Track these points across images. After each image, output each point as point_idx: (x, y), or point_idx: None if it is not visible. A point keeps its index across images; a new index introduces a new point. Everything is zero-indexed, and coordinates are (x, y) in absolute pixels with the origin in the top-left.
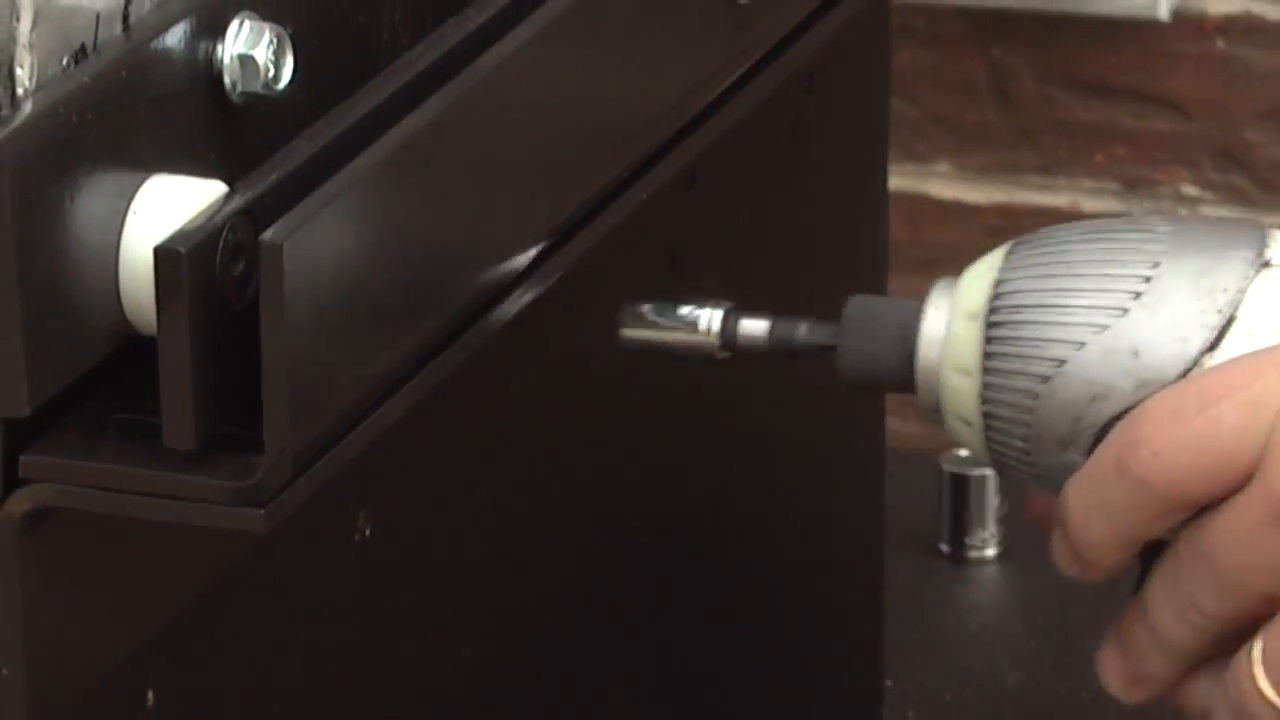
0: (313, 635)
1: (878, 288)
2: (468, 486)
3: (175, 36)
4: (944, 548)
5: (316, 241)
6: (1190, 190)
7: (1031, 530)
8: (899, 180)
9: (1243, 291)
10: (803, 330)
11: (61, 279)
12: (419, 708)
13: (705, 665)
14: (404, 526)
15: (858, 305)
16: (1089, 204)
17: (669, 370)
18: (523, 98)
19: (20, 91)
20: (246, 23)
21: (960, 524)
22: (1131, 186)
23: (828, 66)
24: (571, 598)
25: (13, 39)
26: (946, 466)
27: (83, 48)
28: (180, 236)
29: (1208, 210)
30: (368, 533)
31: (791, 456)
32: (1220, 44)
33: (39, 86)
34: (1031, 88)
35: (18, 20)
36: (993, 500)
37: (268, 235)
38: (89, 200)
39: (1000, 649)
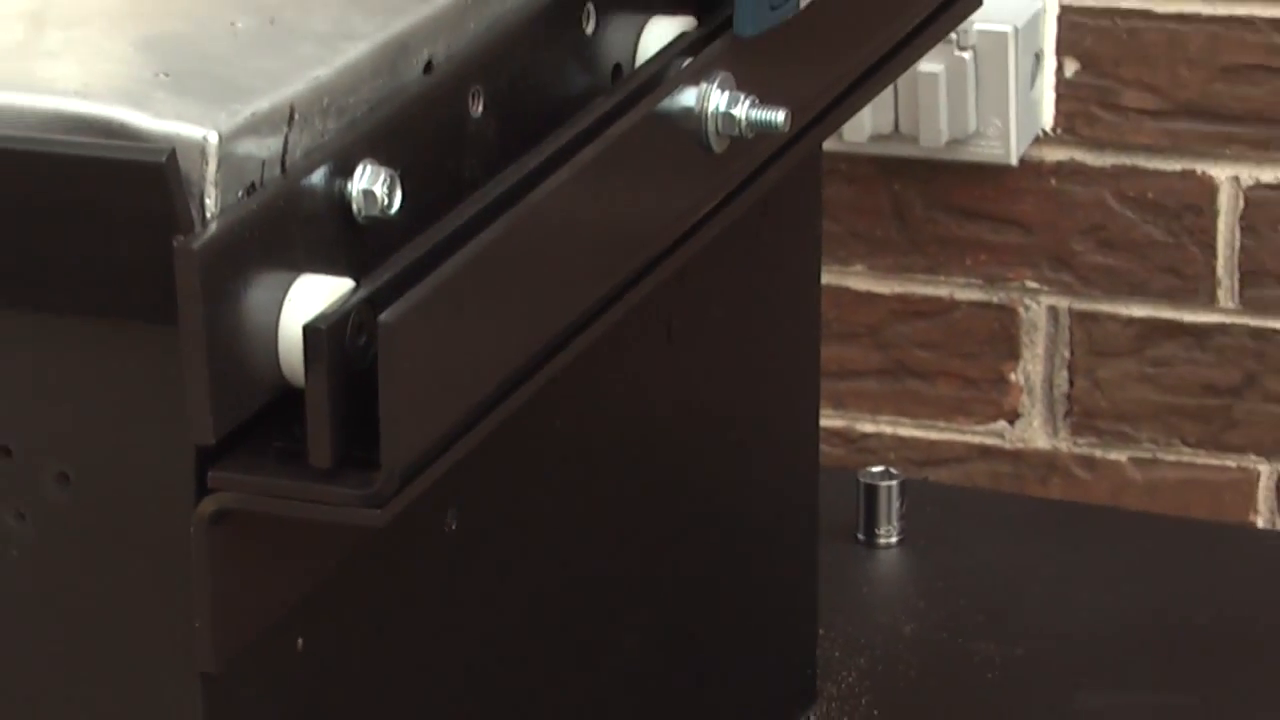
0: (414, 600)
1: (812, 352)
2: (526, 491)
3: (318, 176)
4: (860, 536)
5: (416, 322)
6: (1032, 285)
7: (921, 523)
8: (827, 277)
9: None
10: None
11: (236, 346)
12: (489, 655)
13: (691, 616)
14: (481, 521)
15: None
16: (961, 294)
17: (662, 413)
18: (562, 219)
19: (209, 215)
20: (369, 166)
21: (871, 520)
22: (991, 282)
23: (778, 197)
24: (593, 570)
25: (203, 178)
26: (862, 479)
27: (252, 185)
28: (321, 318)
29: (1044, 299)
30: (454, 526)
31: (755, 472)
32: (1053, 182)
33: (222, 211)
34: (921, 213)
35: (206, 165)
36: (895, 504)
37: (383, 317)
38: (257, 291)
39: (899, 607)
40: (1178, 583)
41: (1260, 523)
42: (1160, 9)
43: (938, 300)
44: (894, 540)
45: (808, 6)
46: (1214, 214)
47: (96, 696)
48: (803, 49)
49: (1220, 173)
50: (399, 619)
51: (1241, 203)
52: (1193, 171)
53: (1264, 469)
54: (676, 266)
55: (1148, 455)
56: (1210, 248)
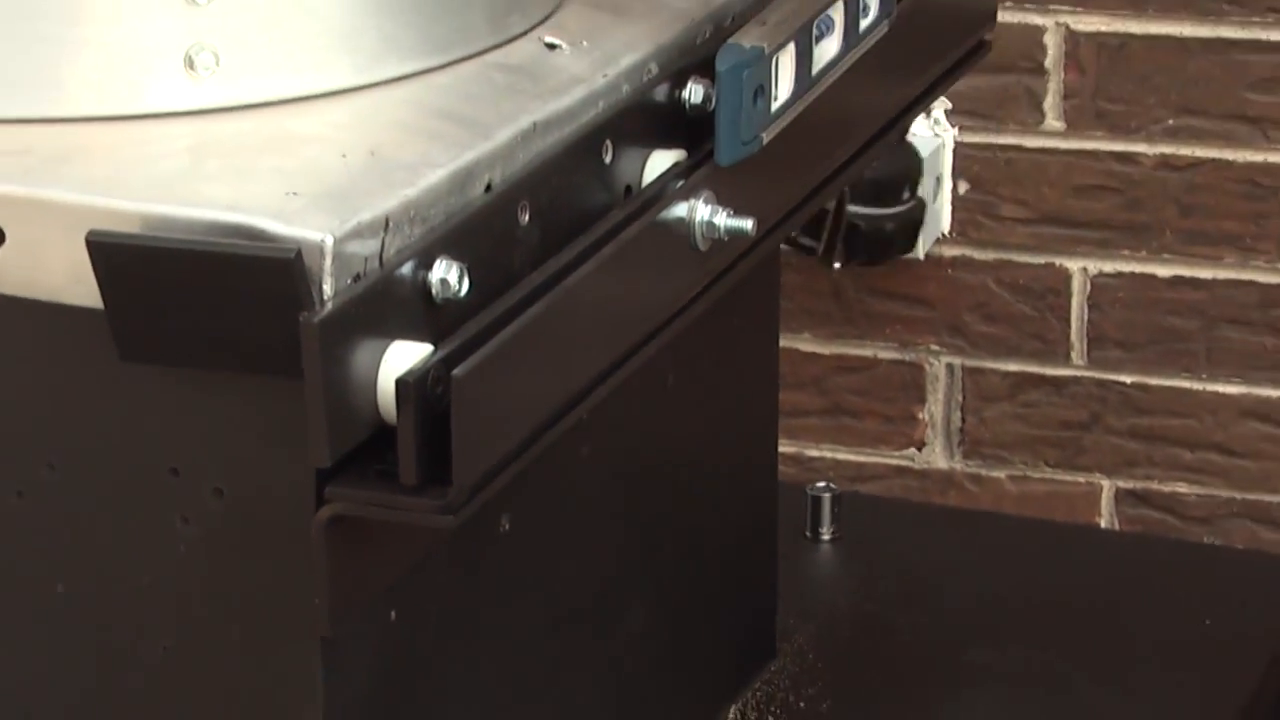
0: (476, 581)
1: (772, 397)
2: (561, 499)
3: (406, 268)
4: (807, 534)
5: (479, 377)
6: (935, 348)
7: (854, 524)
8: (783, 341)
9: None
10: None
11: (346, 394)
12: (533, 621)
13: (682, 591)
14: (527, 523)
15: None
16: (882, 354)
17: (662, 442)
18: (589, 299)
19: (326, 297)
20: (444, 261)
21: (816, 522)
22: (904, 345)
23: (748, 283)
24: (608, 556)
25: (322, 270)
26: (809, 492)
27: (358, 275)
28: (409, 374)
29: (943, 358)
30: (507, 526)
31: (729, 485)
32: (950, 271)
33: (335, 294)
34: (852, 295)
35: (324, 261)
36: (833, 510)
37: (455, 373)
38: (361, 353)
39: (837, 587)
40: (1041, 567)
41: (1103, 524)
42: (1029, 144)
43: (865, 359)
44: (832, 537)
45: (769, 144)
46: (1069, 295)
47: (241, 654)
48: (766, 175)
49: (1073, 265)
50: (465, 596)
51: (1089, 287)
52: (1053, 264)
53: (1105, 484)
54: (673, 334)
55: (1019, 474)
56: (1065, 320)
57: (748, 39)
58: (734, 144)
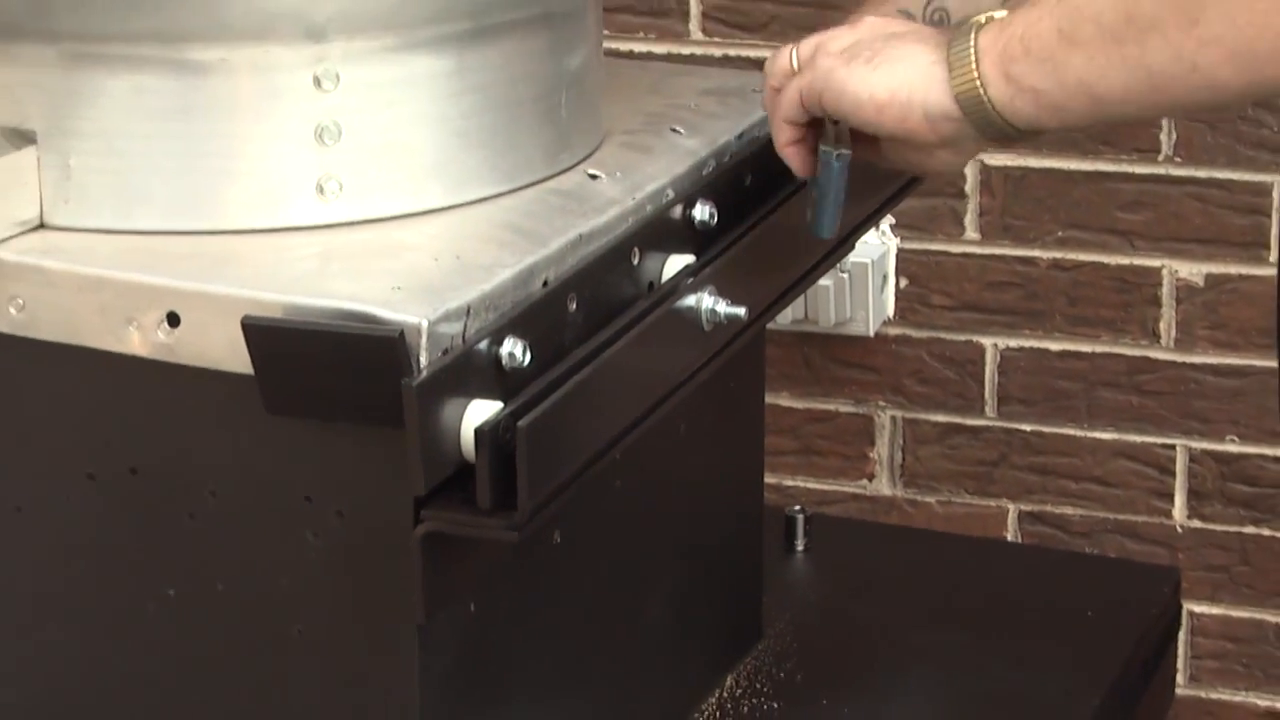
0: (535, 581)
1: (759, 441)
2: (598, 517)
3: (483, 344)
4: (785, 545)
5: (538, 428)
6: (881, 404)
7: (820, 538)
8: (766, 398)
9: None
10: None
11: (436, 439)
12: (576, 612)
13: (689, 587)
14: (572, 536)
15: None
16: (842, 409)
17: (676, 474)
18: (623, 367)
19: (422, 366)
20: (511, 338)
21: (791, 536)
22: (859, 402)
23: (741, 355)
24: (631, 559)
25: (419, 346)
26: (786, 513)
27: (446, 349)
28: (485, 424)
29: (888, 412)
30: (557, 539)
31: (726, 506)
32: (893, 346)
33: (429, 364)
34: (819, 363)
35: (420, 339)
36: (802, 529)
37: (520, 424)
38: (448, 409)
39: (808, 586)
40: (963, 571)
41: (1009, 538)
42: (953, 250)
43: (828, 411)
44: (804, 548)
45: (761, 249)
46: (983, 364)
47: (356, 636)
48: (754, 275)
49: (986, 341)
50: (525, 592)
51: (999, 358)
52: (971, 340)
53: (1011, 507)
54: (684, 394)
55: (946, 499)
56: (980, 383)
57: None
58: (833, 221)
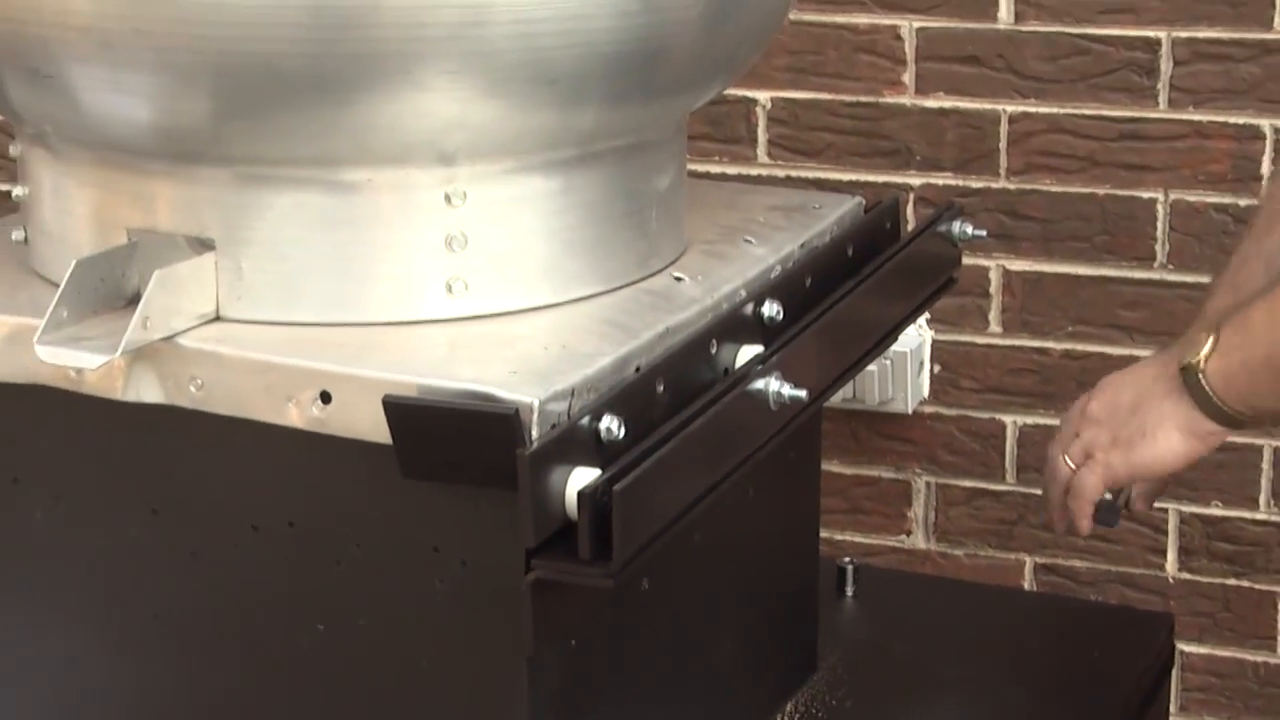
0: (627, 621)
1: (815, 502)
2: (680, 567)
3: (585, 420)
4: (837, 591)
5: (632, 492)
6: (917, 470)
7: (866, 585)
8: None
9: None
10: None
11: (545, 500)
12: (662, 644)
13: (755, 623)
14: (658, 583)
15: None
16: (884, 475)
17: (747, 530)
18: (702, 440)
19: (533, 439)
20: (608, 415)
21: (842, 583)
22: (898, 470)
23: (801, 431)
24: (710, 601)
25: (531, 421)
26: (837, 563)
27: (554, 425)
28: (586, 488)
29: (923, 478)
30: (646, 585)
31: (787, 557)
32: (928, 422)
33: (539, 438)
34: (865, 436)
35: (533, 416)
36: (851, 578)
37: (616, 488)
38: (555, 475)
39: (856, 625)
40: (986, 614)
41: (1026, 586)
42: (979, 341)
43: (873, 477)
44: (853, 594)
45: (819, 339)
46: (1004, 439)
47: (474, 666)
48: (813, 362)
49: (1007, 419)
50: (619, 630)
51: (1018, 434)
52: (994, 418)
53: (1027, 560)
54: (753, 463)
55: (972, 553)
56: (1002, 455)
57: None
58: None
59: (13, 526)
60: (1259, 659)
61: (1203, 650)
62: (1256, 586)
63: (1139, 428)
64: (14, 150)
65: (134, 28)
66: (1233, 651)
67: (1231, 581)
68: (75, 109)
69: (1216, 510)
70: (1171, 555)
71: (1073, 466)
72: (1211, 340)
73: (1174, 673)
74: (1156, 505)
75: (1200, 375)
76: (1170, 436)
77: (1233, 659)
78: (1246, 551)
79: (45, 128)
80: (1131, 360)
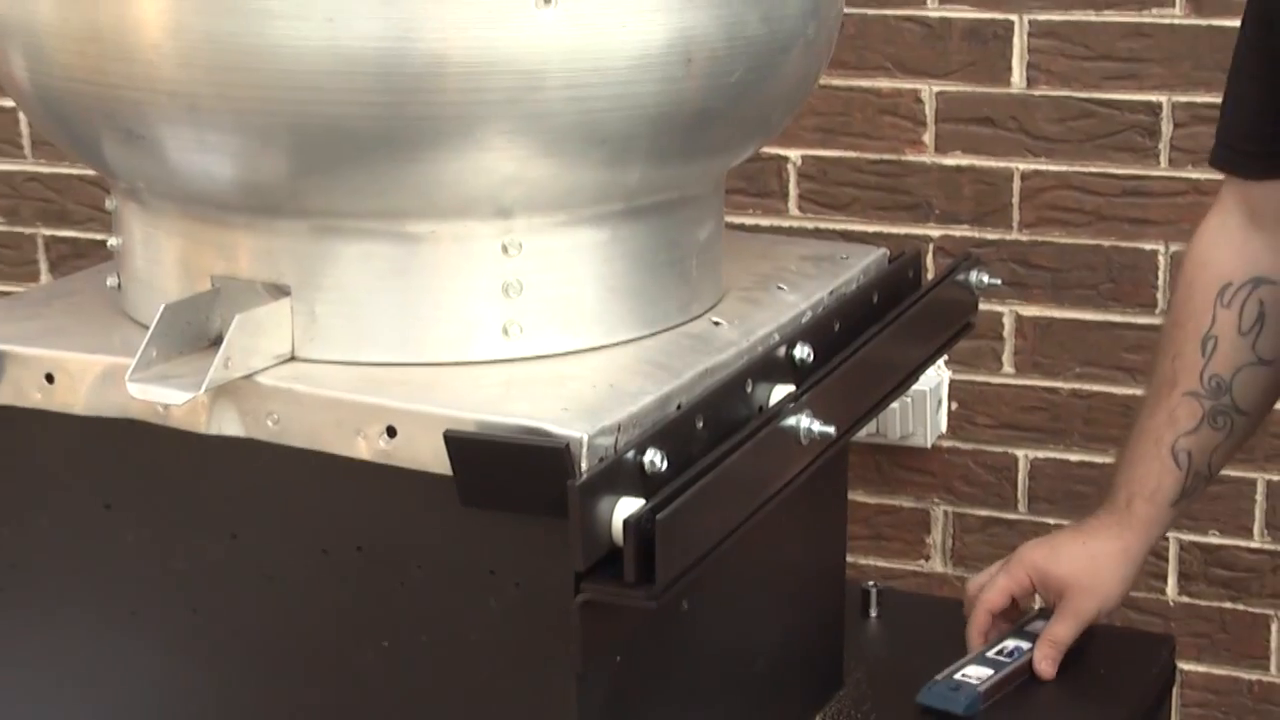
0: (667, 640)
1: (842, 529)
2: (717, 589)
3: (630, 454)
4: (861, 612)
5: (673, 520)
6: (936, 500)
7: (889, 606)
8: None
9: None
10: None
11: (593, 527)
12: (699, 664)
13: (789, 639)
14: (698, 604)
15: None
16: (904, 504)
17: (782, 555)
18: (739, 473)
19: (583, 471)
20: (651, 449)
21: (866, 605)
22: (918, 499)
23: (829, 463)
24: (746, 620)
25: (580, 455)
26: (861, 586)
27: (601, 458)
28: (631, 517)
29: (941, 507)
30: (685, 606)
31: (817, 579)
32: (946, 455)
33: (588, 470)
34: (886, 468)
35: (582, 449)
36: (874, 599)
37: (659, 517)
38: (602, 504)
39: (880, 643)
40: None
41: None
42: (993, 381)
43: (894, 506)
44: (876, 614)
45: (849, 377)
46: (1017, 470)
47: (527, 681)
48: (840, 401)
49: (1019, 453)
50: (660, 648)
51: (1029, 466)
52: (1007, 452)
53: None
54: (786, 493)
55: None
56: (1014, 486)
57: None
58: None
59: (105, 548)
60: (1253, 677)
61: (1201, 669)
62: (1251, 610)
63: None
64: (109, 204)
65: (218, 92)
66: (1229, 670)
67: (1228, 605)
68: (165, 167)
69: (1214, 539)
70: (1172, 580)
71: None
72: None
73: (1175, 690)
74: None
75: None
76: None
77: (1229, 677)
78: (1242, 577)
79: (138, 184)
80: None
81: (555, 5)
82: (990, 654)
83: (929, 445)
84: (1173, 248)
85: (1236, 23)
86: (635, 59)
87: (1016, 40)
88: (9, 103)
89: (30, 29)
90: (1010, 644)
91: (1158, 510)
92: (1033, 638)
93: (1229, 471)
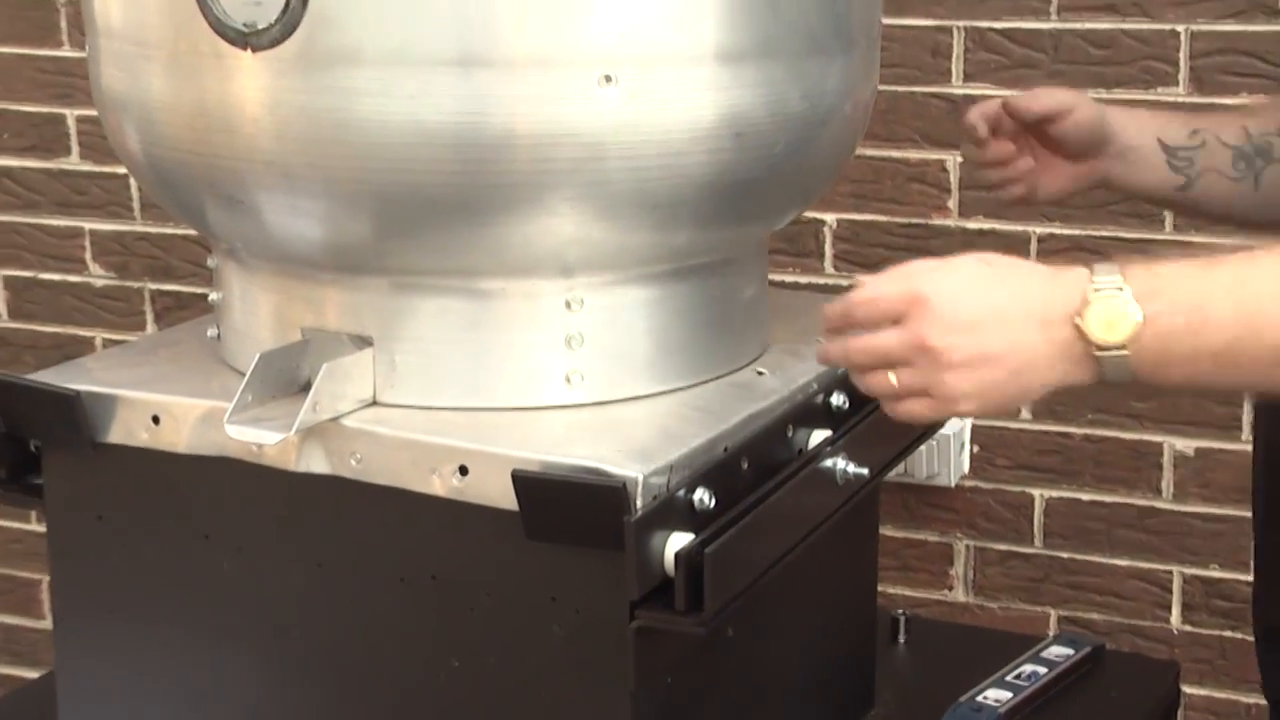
0: (715, 662)
1: (874, 561)
2: (760, 615)
3: (680, 492)
4: (890, 638)
5: (721, 553)
6: (959, 535)
7: (916, 633)
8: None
9: None
10: None
11: (647, 559)
12: (745, 681)
13: (824, 660)
14: (743, 630)
15: None
16: (930, 539)
17: (818, 583)
18: (780, 511)
19: (638, 507)
20: (701, 488)
21: (895, 631)
22: (942, 535)
23: (863, 501)
24: (789, 643)
25: (636, 493)
26: (891, 614)
27: (655, 495)
28: (682, 550)
29: (964, 541)
30: (731, 633)
31: (851, 605)
32: (968, 494)
33: (642, 506)
34: (913, 505)
35: (638, 488)
36: (903, 626)
37: (707, 550)
38: (656, 538)
39: (908, 668)
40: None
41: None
42: (1011, 427)
43: (920, 540)
44: (904, 640)
45: (877, 422)
46: (1033, 510)
47: (583, 701)
48: (873, 445)
49: (1035, 492)
50: (707, 670)
51: (1044, 505)
52: (1024, 491)
53: (1052, 613)
54: (823, 529)
55: (1005, 606)
56: (1030, 522)
57: None
58: None
59: (204, 575)
60: (1251, 700)
61: (1203, 692)
62: (1249, 639)
63: (1002, 389)
64: (211, 262)
65: (310, 162)
66: (1229, 694)
67: (1228, 634)
68: (261, 229)
69: (1214, 572)
70: (1176, 611)
71: (894, 384)
72: (1136, 321)
73: (1179, 712)
74: (1162, 568)
75: (1122, 358)
76: (1034, 396)
77: (1229, 700)
78: (1240, 608)
79: (237, 244)
80: (1145, 446)
81: (616, 84)
82: (1010, 678)
83: (952, 485)
84: None
85: None
86: (687, 133)
87: None
88: (121, 169)
89: (143, 104)
90: (1028, 669)
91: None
92: (1050, 664)
93: (1228, 510)
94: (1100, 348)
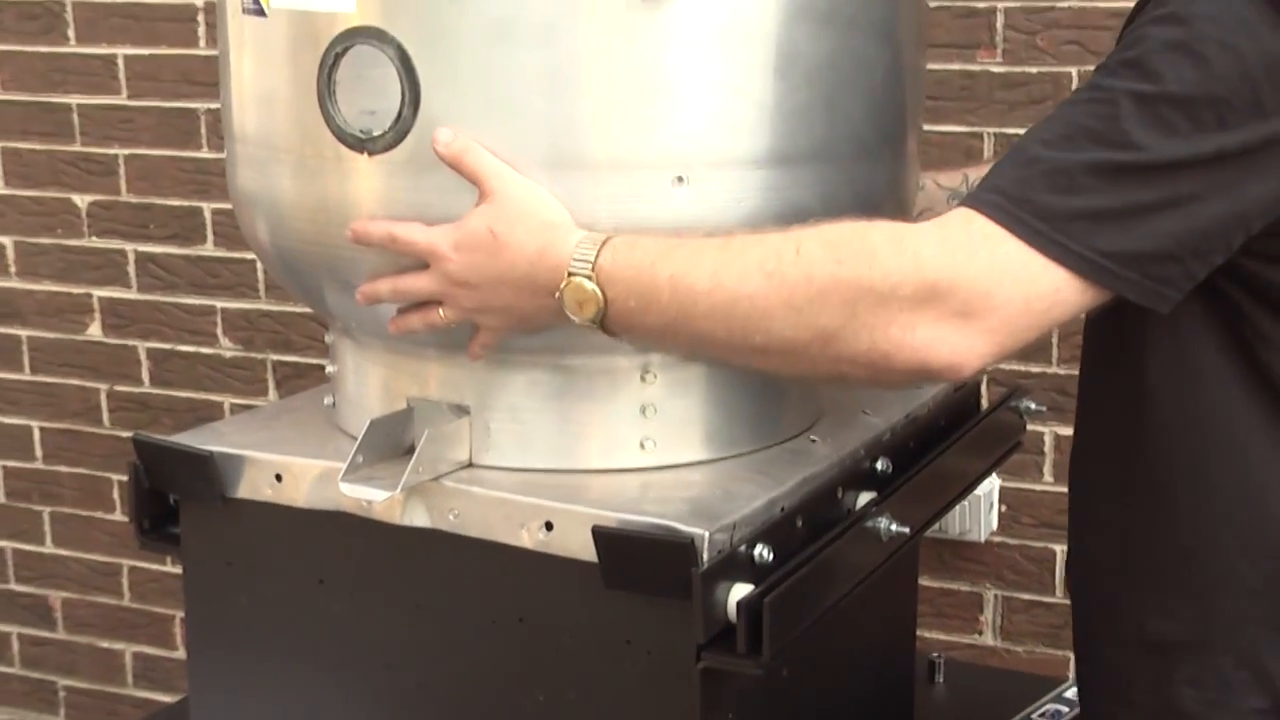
0: (770, 696)
1: (913, 607)
2: (811, 655)
3: (743, 547)
4: (928, 678)
5: (780, 603)
6: (989, 585)
7: (950, 674)
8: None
9: None
10: None
11: (713, 608)
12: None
13: (869, 694)
14: (795, 668)
15: None
16: (963, 589)
17: (863, 629)
18: (834, 566)
19: (704, 560)
20: (760, 544)
21: (932, 672)
22: (973, 584)
23: (904, 556)
24: (838, 678)
25: (702, 548)
26: (928, 657)
27: (720, 550)
28: (743, 600)
29: (993, 590)
30: (785, 673)
31: (893, 648)
32: (996, 549)
33: (708, 560)
34: (947, 558)
35: (704, 543)
36: (940, 667)
37: (766, 600)
38: (720, 588)
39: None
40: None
41: (1071, 677)
42: (1035, 488)
43: (953, 590)
44: (941, 680)
45: (928, 483)
46: (1055, 563)
47: None
48: (913, 505)
49: (1057, 547)
50: (766, 708)
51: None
52: (1048, 547)
53: (1071, 657)
54: (869, 581)
55: (1030, 649)
56: (1053, 574)
57: None
58: None
59: (318, 616)
60: None
61: None
62: None
63: (511, 329)
64: (328, 338)
65: None
66: None
67: None
68: (373, 311)
69: None
70: None
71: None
72: (599, 304)
73: None
74: None
75: (597, 328)
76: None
77: None
78: None
79: (351, 323)
80: None
81: (688, 184)
82: (1035, 716)
83: (983, 540)
84: None
85: None
86: (748, 227)
87: None
88: (249, 255)
89: (272, 200)
90: (1050, 708)
91: None
92: (1071, 704)
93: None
94: (579, 319)
